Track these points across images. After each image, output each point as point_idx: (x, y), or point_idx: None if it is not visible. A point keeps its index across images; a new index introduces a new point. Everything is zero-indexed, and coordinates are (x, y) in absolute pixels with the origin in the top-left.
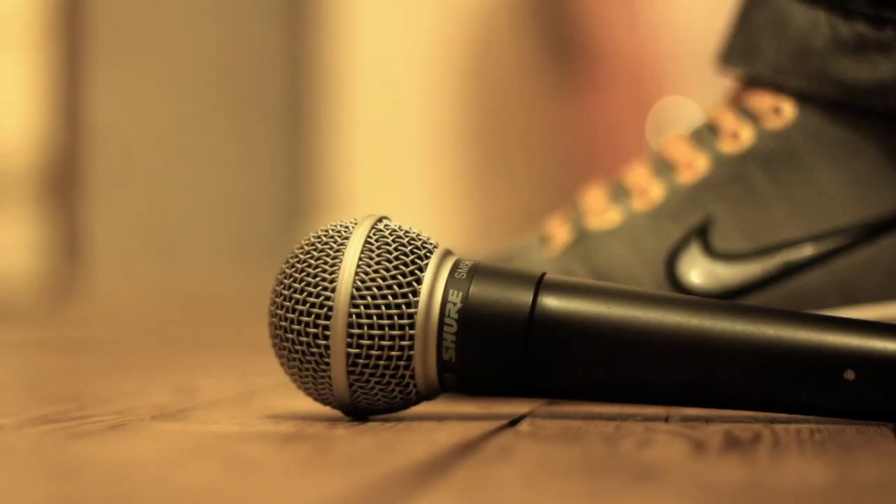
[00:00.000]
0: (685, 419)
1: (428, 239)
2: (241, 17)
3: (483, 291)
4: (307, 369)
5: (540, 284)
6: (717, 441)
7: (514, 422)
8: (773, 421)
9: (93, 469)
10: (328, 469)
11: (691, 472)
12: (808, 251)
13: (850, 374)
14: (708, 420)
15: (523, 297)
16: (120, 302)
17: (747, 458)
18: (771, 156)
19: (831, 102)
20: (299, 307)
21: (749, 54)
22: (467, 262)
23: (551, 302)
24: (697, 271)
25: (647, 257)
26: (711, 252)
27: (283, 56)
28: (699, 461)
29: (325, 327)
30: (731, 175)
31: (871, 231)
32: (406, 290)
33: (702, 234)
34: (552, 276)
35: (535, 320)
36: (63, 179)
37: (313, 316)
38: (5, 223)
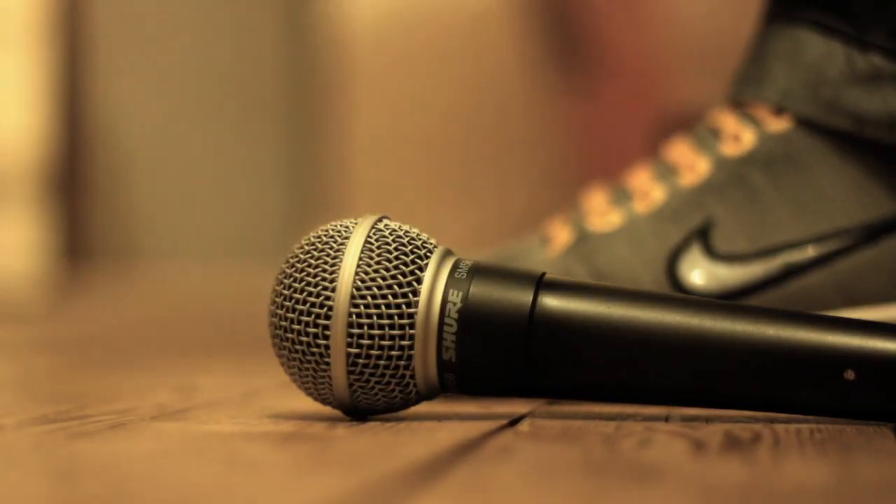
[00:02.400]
0: (685, 419)
1: (428, 239)
2: (243, 15)
3: (483, 291)
4: (307, 369)
5: (540, 284)
6: (717, 441)
7: (514, 422)
8: (773, 421)
9: (93, 469)
10: (328, 469)
11: (691, 472)
12: (809, 252)
13: (850, 374)
14: (708, 420)
15: (523, 296)
16: (120, 302)
17: (747, 458)
18: (772, 158)
19: (840, 132)
20: (299, 307)
21: (759, 80)
22: (467, 262)
23: (551, 302)
24: (698, 272)
25: (648, 258)
26: (712, 253)
27: (284, 56)
28: (699, 461)
29: (325, 327)
30: (733, 177)
31: (872, 232)
32: (406, 289)
33: (703, 236)
34: (552, 275)
35: (535, 320)
36: (63, 179)
37: (313, 316)
38: (5, 223)
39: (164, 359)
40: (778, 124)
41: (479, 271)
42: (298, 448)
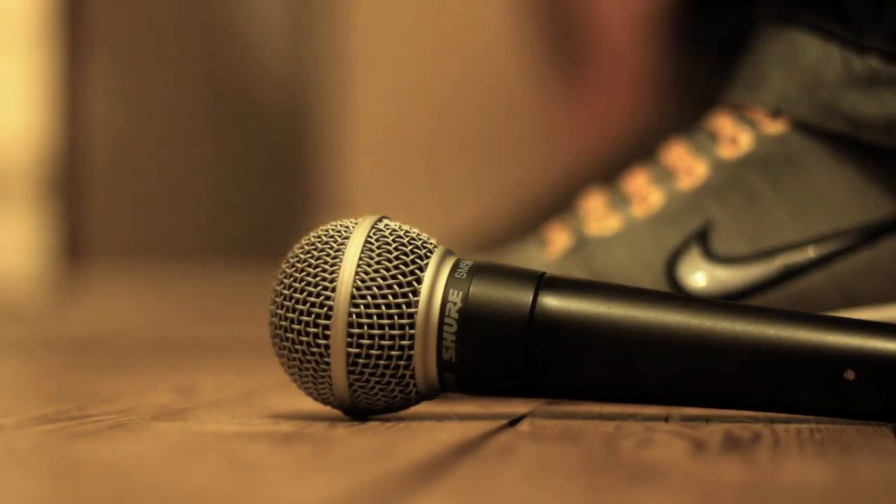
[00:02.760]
0: (685, 419)
1: (428, 239)
2: (242, 15)
3: (483, 291)
4: (307, 369)
5: (540, 284)
6: (717, 441)
7: (514, 422)
8: (773, 421)
9: (93, 469)
10: (328, 469)
11: (691, 472)
12: (808, 254)
13: (850, 374)
14: (708, 420)
15: (523, 296)
16: (120, 302)
17: (747, 458)
18: (770, 160)
19: (837, 136)
20: (299, 307)
21: (756, 84)
22: (467, 262)
23: (551, 301)
24: (698, 275)
25: (647, 262)
26: (711, 255)
27: (284, 54)
28: (699, 461)
29: (326, 327)
30: (731, 180)
31: (870, 233)
32: (406, 289)
33: (701, 238)
34: (552, 275)
35: (536, 320)
36: (63, 179)
37: (313, 315)
38: (5, 223)
39: (164, 359)
40: (775, 126)
41: (480, 271)
42: (298, 448)
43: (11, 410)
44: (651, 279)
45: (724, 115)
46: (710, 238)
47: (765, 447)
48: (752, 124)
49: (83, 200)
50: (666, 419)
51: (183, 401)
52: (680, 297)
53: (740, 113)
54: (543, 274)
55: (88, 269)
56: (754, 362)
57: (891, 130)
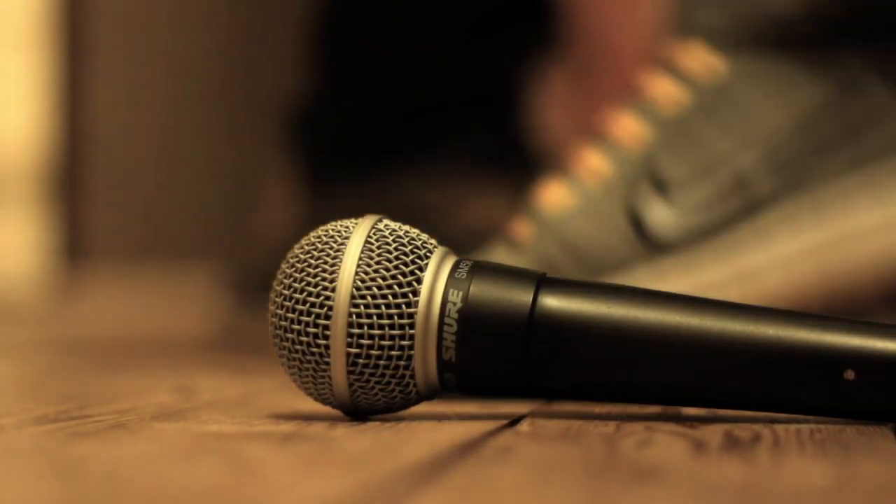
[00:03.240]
0: (685, 419)
1: (428, 239)
2: (241, 16)
3: (483, 291)
4: (307, 369)
5: (540, 284)
6: (717, 441)
7: (514, 422)
8: (773, 421)
9: (93, 469)
10: (328, 469)
11: (691, 472)
12: (750, 154)
13: (850, 374)
14: (708, 420)
15: (523, 296)
16: (120, 302)
17: (747, 458)
18: (711, 106)
19: (762, 40)
20: (299, 307)
21: (680, 30)
22: (468, 262)
23: (551, 301)
24: (661, 215)
25: (612, 223)
26: (664, 189)
27: (284, 54)
28: (699, 461)
29: (325, 327)
30: (675, 132)
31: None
32: (406, 289)
33: (654, 183)
34: (553, 275)
35: (536, 320)
36: (63, 179)
37: (313, 316)
38: (5, 223)
39: (165, 359)
40: (711, 76)
41: (480, 271)
42: (298, 448)
43: (11, 410)
44: (620, 237)
45: (660, 76)
46: (661, 178)
47: (765, 447)
48: (688, 80)
49: (83, 201)
50: (666, 419)
51: (183, 401)
52: (680, 296)
53: (675, 69)
54: (544, 274)
55: (88, 269)
56: (754, 362)
57: (807, 20)
